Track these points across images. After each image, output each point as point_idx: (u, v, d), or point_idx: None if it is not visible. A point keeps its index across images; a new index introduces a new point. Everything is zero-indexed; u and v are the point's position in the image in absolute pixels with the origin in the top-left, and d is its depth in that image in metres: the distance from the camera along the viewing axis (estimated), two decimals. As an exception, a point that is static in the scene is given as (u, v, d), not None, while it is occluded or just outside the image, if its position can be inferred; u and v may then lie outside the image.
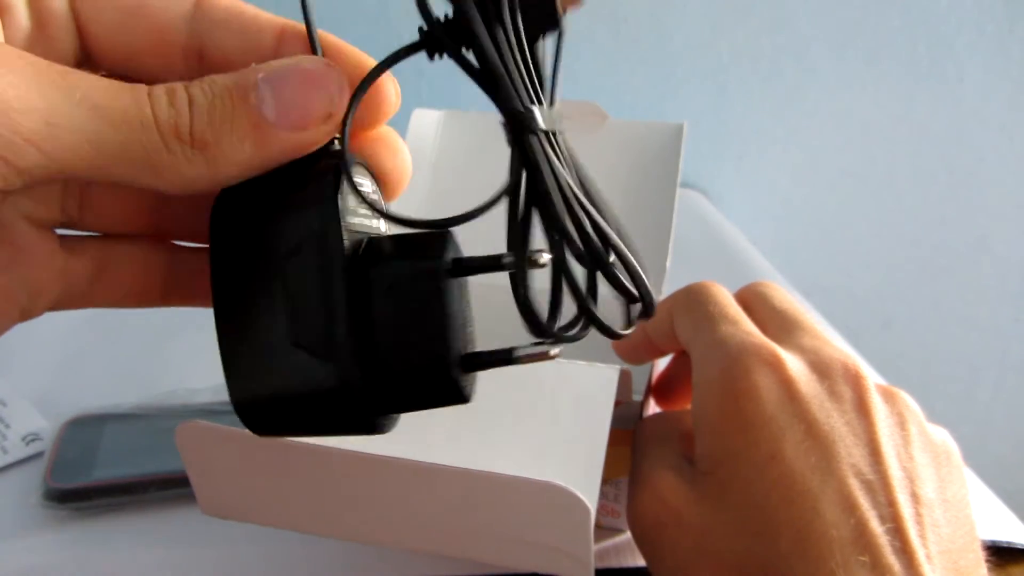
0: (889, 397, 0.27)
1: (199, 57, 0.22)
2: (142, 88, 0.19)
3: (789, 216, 0.92)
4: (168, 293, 0.24)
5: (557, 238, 0.20)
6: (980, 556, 0.25)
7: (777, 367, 0.26)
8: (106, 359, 0.52)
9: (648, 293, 0.21)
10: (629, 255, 0.21)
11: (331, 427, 0.21)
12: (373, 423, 0.21)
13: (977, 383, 1.01)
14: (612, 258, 0.21)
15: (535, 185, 0.20)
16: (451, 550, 0.27)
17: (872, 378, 0.27)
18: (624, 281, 0.21)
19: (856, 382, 0.26)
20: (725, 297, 0.30)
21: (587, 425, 0.28)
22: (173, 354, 0.52)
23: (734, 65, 0.85)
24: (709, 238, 0.76)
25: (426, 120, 0.41)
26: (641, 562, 0.35)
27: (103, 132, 0.18)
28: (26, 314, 0.22)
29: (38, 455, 0.42)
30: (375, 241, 0.21)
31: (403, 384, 0.21)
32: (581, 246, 0.20)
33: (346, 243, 0.20)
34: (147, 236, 0.24)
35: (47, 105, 0.17)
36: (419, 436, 0.29)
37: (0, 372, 0.49)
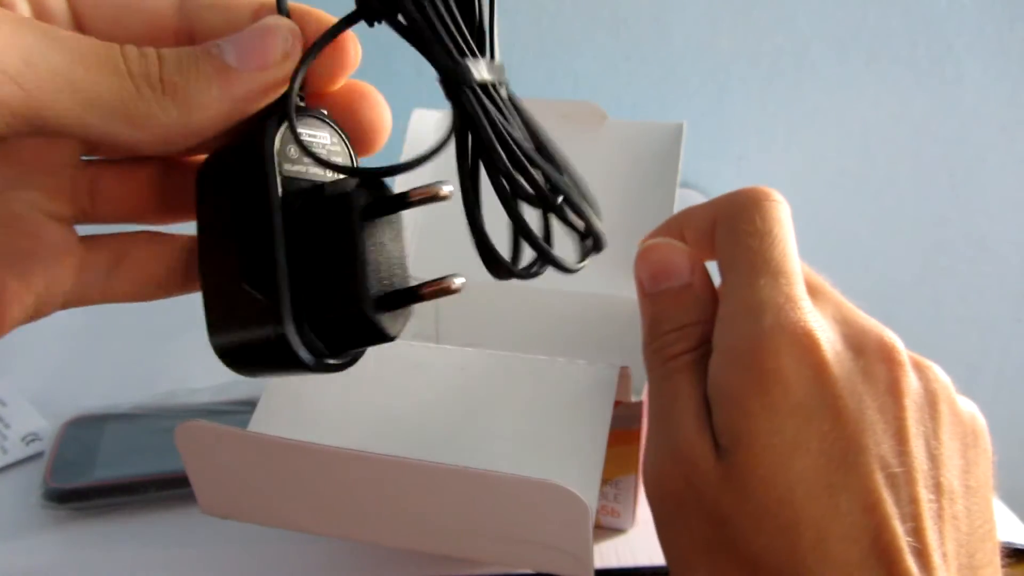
0: (921, 372, 0.26)
1: (190, 40, 0.23)
2: (114, 43, 0.20)
3: (789, 216, 0.92)
4: (189, 279, 0.25)
5: (506, 185, 0.22)
6: (997, 544, 0.25)
7: (810, 349, 0.24)
8: (106, 359, 0.52)
9: (594, 228, 0.23)
10: (575, 195, 0.22)
11: (279, 362, 0.22)
12: (311, 358, 0.22)
13: (977, 383, 1.01)
14: (560, 199, 0.22)
15: (477, 139, 0.22)
16: (451, 549, 0.27)
17: (905, 352, 0.26)
18: (572, 218, 0.23)
19: (891, 359, 0.25)
20: (775, 226, 0.27)
21: (587, 425, 0.28)
22: (173, 354, 0.52)
23: (734, 65, 0.85)
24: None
25: (426, 120, 0.41)
26: (641, 562, 0.35)
27: (79, 74, 0.19)
28: (40, 309, 0.23)
29: (38, 455, 0.42)
30: (314, 187, 0.22)
31: (330, 324, 0.22)
32: (529, 190, 0.22)
33: (279, 187, 0.22)
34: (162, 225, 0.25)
35: (25, 44, 0.18)
36: (418, 435, 0.29)
37: (0, 372, 0.49)
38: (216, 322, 0.22)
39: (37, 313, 0.23)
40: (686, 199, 0.84)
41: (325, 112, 0.23)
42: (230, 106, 0.21)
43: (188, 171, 0.25)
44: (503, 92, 0.23)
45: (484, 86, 0.22)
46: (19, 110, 0.18)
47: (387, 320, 0.22)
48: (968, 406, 0.27)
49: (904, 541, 0.22)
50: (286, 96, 0.22)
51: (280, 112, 0.22)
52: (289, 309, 0.21)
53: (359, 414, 0.29)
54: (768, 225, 0.27)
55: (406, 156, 0.40)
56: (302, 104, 0.23)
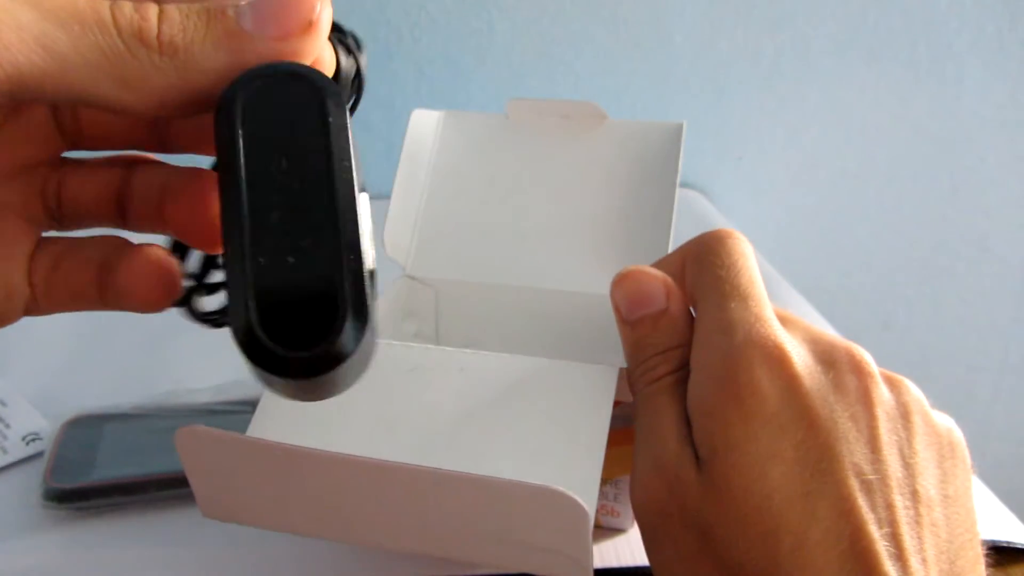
0: (894, 386, 0.26)
1: None
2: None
3: (789, 216, 0.92)
4: (104, 293, 0.23)
5: None
6: (979, 553, 0.25)
7: (782, 362, 0.25)
8: (106, 359, 0.52)
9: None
10: None
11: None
12: None
13: (977, 383, 1.01)
14: None
15: None
16: (450, 553, 0.27)
17: (875, 365, 0.26)
18: None
19: (861, 371, 0.26)
20: (740, 258, 0.28)
21: (587, 425, 0.28)
22: (173, 354, 0.52)
23: (734, 65, 0.85)
24: (709, 238, 0.76)
25: (426, 120, 0.41)
26: (641, 562, 0.35)
27: (51, 32, 0.17)
28: (3, 317, 0.22)
29: (38, 455, 0.42)
30: None
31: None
32: None
33: None
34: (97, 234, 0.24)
35: None
36: (418, 438, 0.29)
37: (0, 372, 0.49)
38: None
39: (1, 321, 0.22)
40: (686, 199, 0.84)
41: None
42: (235, 73, 0.19)
43: (154, 174, 0.24)
44: None
45: None
46: None
47: None
48: (944, 420, 0.27)
49: (881, 545, 0.23)
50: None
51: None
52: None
53: (358, 417, 0.29)
54: (733, 258, 0.28)
55: (405, 156, 0.40)
56: None
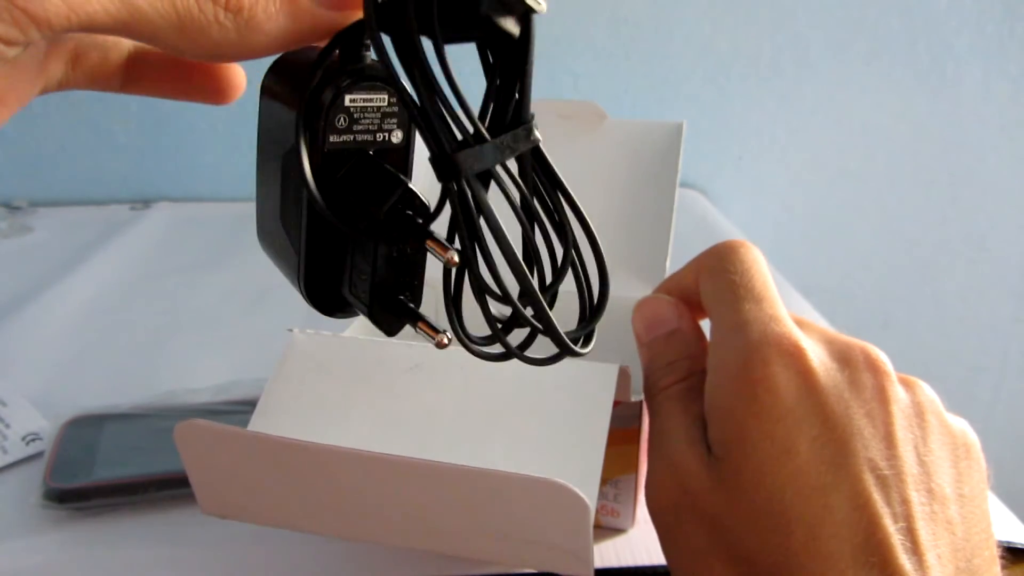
0: (908, 386, 0.26)
1: None
2: None
3: (789, 216, 0.92)
4: (133, 81, 0.24)
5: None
6: (995, 554, 0.25)
7: (797, 358, 0.25)
8: (106, 359, 0.52)
9: (551, 327, 0.22)
10: (537, 295, 0.22)
11: (294, 280, 0.25)
12: (311, 302, 0.25)
13: (977, 383, 1.01)
14: (527, 308, 0.22)
15: (464, 230, 0.21)
16: (451, 548, 0.27)
17: (891, 365, 0.27)
18: (531, 320, 0.22)
19: (876, 370, 0.26)
20: (752, 264, 0.29)
21: (587, 425, 0.28)
22: (173, 354, 0.52)
23: (734, 65, 0.85)
24: (709, 238, 0.76)
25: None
26: (641, 562, 0.35)
27: None
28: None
29: (38, 455, 0.42)
30: (355, 163, 0.23)
31: (341, 303, 0.25)
32: (497, 292, 0.22)
33: (310, 160, 0.21)
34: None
35: None
36: (418, 434, 0.29)
37: (0, 372, 0.49)
38: (260, 225, 0.26)
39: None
40: (686, 199, 0.85)
41: (383, 65, 0.23)
42: (291, 38, 0.20)
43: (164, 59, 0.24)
44: (510, 168, 0.22)
45: (484, 174, 0.21)
46: (59, 24, 0.17)
47: (383, 319, 0.24)
48: (959, 422, 0.27)
49: (896, 539, 0.23)
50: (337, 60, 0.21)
51: (331, 75, 0.21)
52: (304, 275, 0.24)
53: (359, 414, 0.29)
54: (746, 264, 0.29)
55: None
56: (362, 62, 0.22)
